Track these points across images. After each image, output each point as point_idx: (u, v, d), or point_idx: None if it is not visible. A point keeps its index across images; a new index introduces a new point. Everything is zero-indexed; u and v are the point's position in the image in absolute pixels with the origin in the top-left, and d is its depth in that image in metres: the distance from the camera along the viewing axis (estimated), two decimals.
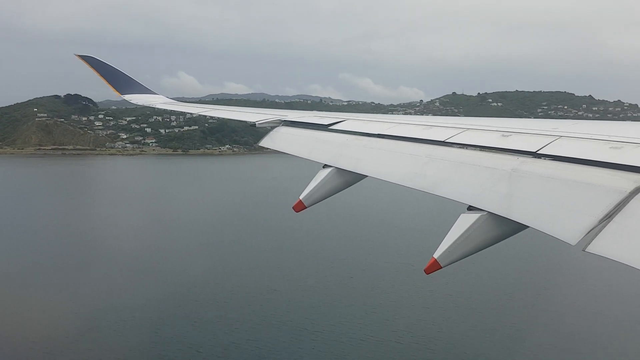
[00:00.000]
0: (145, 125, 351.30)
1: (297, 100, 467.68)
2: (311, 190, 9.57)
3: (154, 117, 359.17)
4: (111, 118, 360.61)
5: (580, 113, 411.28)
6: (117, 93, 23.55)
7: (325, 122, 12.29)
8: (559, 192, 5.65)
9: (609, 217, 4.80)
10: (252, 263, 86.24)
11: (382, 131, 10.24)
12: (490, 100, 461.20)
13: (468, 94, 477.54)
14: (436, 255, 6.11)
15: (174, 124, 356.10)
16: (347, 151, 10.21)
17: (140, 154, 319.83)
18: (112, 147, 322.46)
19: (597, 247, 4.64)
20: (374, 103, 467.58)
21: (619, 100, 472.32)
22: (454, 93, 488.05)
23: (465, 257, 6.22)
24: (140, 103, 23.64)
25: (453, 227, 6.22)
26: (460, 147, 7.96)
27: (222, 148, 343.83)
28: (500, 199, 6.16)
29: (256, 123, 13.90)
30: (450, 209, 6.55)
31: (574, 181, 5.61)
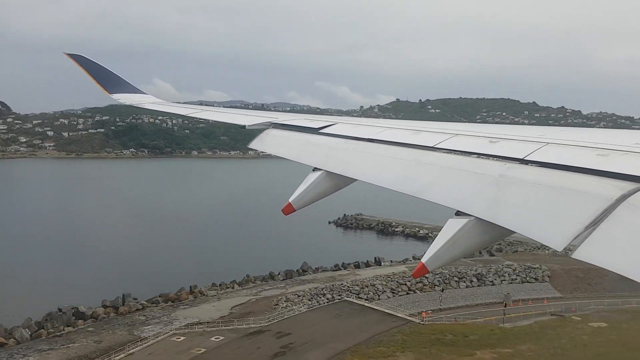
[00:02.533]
0: (48, 128, 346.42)
1: (274, 108, 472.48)
2: (300, 193, 9.47)
3: (61, 120, 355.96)
4: (20, 122, 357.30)
5: (517, 119, 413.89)
6: (105, 92, 23.27)
7: (316, 125, 12.23)
8: (546, 198, 5.66)
9: (595, 223, 4.81)
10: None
11: (372, 135, 10.21)
12: (430, 107, 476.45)
13: (412, 100, 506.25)
14: (424, 259, 6.11)
15: (80, 127, 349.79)
16: (337, 154, 10.16)
17: (29, 157, 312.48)
18: (2, 151, 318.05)
19: (583, 253, 4.66)
20: (319, 109, 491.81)
21: (562, 106, 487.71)
22: (397, 99, 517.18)
23: (453, 261, 6.21)
24: (128, 102, 23.37)
25: (441, 231, 6.23)
26: (448, 153, 7.97)
27: (124, 152, 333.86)
28: (488, 205, 6.17)
29: (246, 125, 13.83)
30: (444, 213, 6.53)
31: (560, 187, 5.62)
